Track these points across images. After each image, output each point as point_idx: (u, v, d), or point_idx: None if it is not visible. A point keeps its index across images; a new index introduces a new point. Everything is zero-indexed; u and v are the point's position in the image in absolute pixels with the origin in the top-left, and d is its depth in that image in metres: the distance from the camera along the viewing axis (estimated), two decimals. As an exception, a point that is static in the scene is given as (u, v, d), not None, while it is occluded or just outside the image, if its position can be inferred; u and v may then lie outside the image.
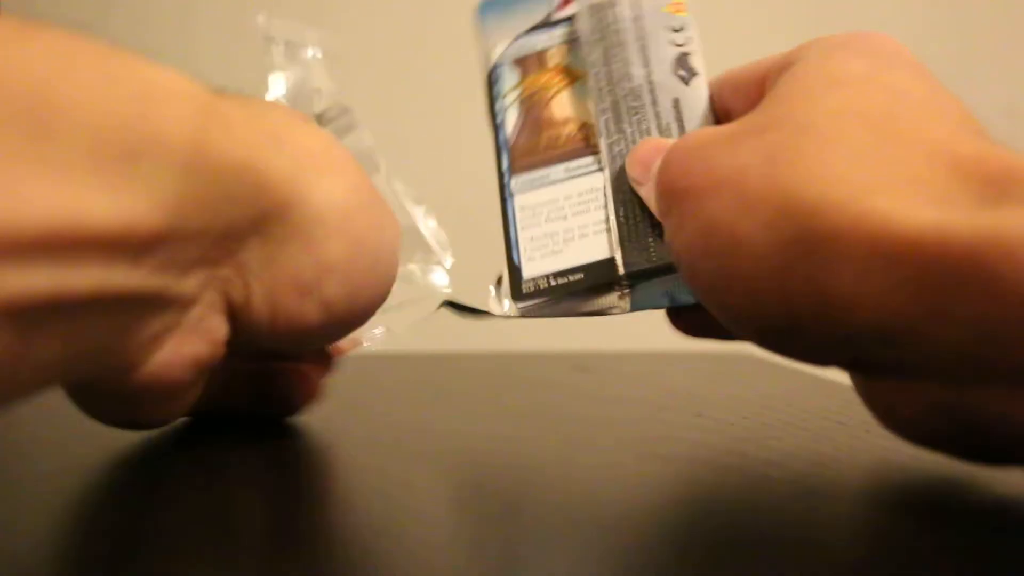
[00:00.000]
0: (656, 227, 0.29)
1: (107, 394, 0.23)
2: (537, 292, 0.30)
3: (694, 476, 0.26)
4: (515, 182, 0.31)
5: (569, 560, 0.18)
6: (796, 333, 0.21)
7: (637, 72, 0.30)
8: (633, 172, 0.29)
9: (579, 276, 0.30)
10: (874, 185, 0.20)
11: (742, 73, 0.29)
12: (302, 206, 0.23)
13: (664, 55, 0.30)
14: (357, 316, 0.26)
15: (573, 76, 0.32)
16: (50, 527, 0.20)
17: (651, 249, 0.29)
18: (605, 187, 0.30)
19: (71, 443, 0.29)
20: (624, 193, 0.30)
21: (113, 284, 0.18)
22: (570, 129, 0.31)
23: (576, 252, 0.30)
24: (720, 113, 0.30)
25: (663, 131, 0.30)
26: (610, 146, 0.30)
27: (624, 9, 0.31)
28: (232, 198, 0.21)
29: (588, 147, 0.31)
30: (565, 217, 0.31)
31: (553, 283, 0.30)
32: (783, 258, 0.20)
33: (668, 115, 0.30)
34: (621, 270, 0.29)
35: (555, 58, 0.32)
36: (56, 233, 0.16)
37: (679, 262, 0.24)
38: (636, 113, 0.30)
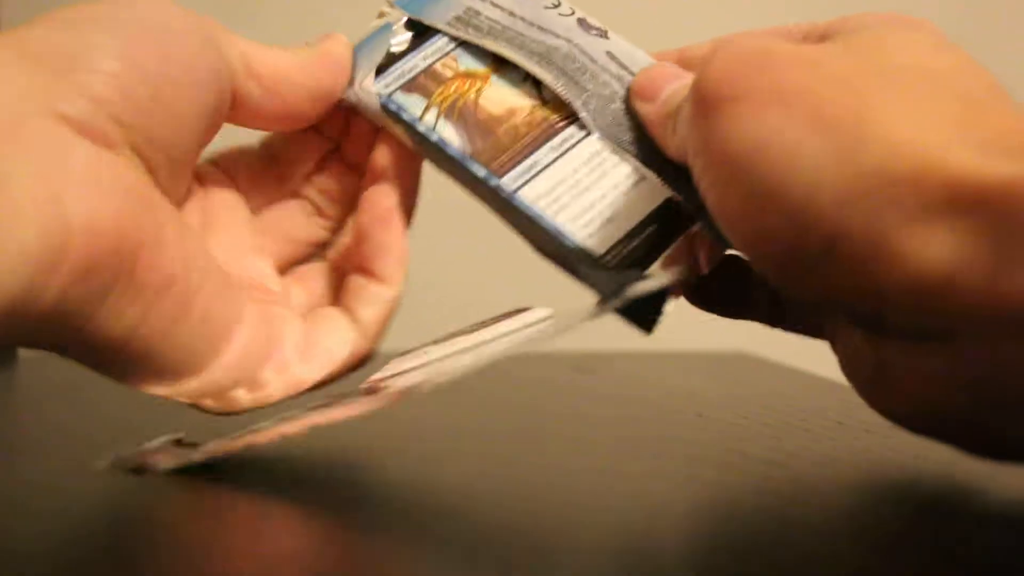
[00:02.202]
0: (661, 164, 0.28)
1: None
2: (622, 258, 0.28)
3: (694, 476, 0.26)
4: (506, 181, 0.29)
5: (569, 559, 0.18)
6: (827, 267, 0.20)
7: (557, 43, 0.30)
8: (639, 89, 0.28)
9: (649, 229, 0.28)
10: (958, 138, 0.20)
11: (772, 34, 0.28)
12: None
13: (564, 24, 0.31)
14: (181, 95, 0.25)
15: (478, 76, 0.31)
16: (51, 532, 0.20)
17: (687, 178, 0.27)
18: (608, 144, 0.29)
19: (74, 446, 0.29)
20: (629, 140, 0.29)
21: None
22: (522, 117, 0.30)
23: (630, 209, 0.29)
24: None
25: (617, 79, 0.30)
26: (584, 104, 0.30)
27: (492, 11, 0.31)
28: None
29: (556, 123, 0.30)
30: (589, 187, 0.29)
31: (632, 244, 0.28)
32: (848, 188, 0.19)
33: (611, 65, 0.30)
34: (688, 205, 0.28)
35: (447, 70, 0.31)
36: None
37: (707, 173, 0.23)
38: (584, 71, 0.30)
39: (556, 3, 0.31)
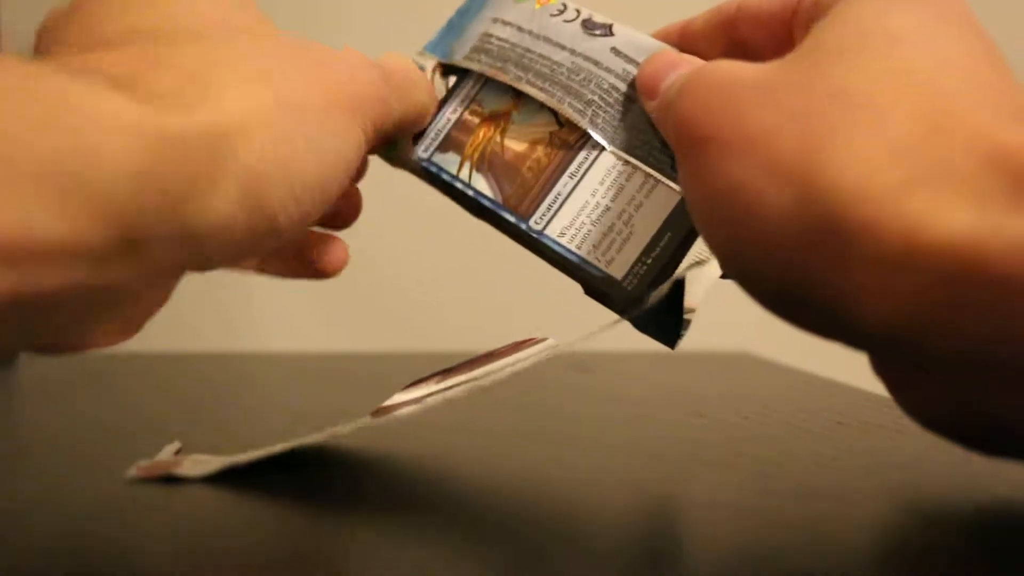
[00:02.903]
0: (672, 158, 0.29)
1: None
2: (642, 281, 0.29)
3: (694, 476, 0.26)
4: (533, 222, 0.30)
5: (568, 558, 0.18)
6: (806, 308, 0.21)
7: (561, 56, 0.31)
8: (642, 87, 0.28)
9: (666, 236, 0.28)
10: (911, 178, 0.19)
11: (763, 4, 0.27)
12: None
13: (568, 32, 0.31)
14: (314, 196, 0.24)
15: (503, 115, 0.32)
16: (51, 532, 0.20)
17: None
18: (619, 156, 0.30)
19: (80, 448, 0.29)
20: (637, 145, 0.29)
21: (76, 281, 0.19)
22: (542, 148, 0.31)
23: (646, 221, 0.29)
24: (730, 46, 0.29)
25: (623, 78, 0.30)
26: (591, 120, 0.30)
27: (502, 31, 0.32)
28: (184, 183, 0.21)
29: (573, 144, 0.30)
30: (608, 208, 0.30)
31: (650, 261, 0.29)
32: (806, 238, 0.20)
33: (616, 63, 0.30)
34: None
35: (475, 117, 0.32)
36: (6, 244, 0.18)
37: (693, 211, 0.23)
38: (589, 81, 0.30)
39: (561, 8, 0.31)
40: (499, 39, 0.32)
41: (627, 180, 0.30)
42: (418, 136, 0.31)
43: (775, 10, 0.26)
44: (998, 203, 0.18)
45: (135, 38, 0.23)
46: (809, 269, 0.20)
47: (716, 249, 0.23)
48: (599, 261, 0.29)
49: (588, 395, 0.42)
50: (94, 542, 0.19)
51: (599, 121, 0.30)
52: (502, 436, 0.31)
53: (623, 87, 0.30)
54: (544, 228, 0.30)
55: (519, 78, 0.31)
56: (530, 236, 0.30)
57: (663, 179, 0.29)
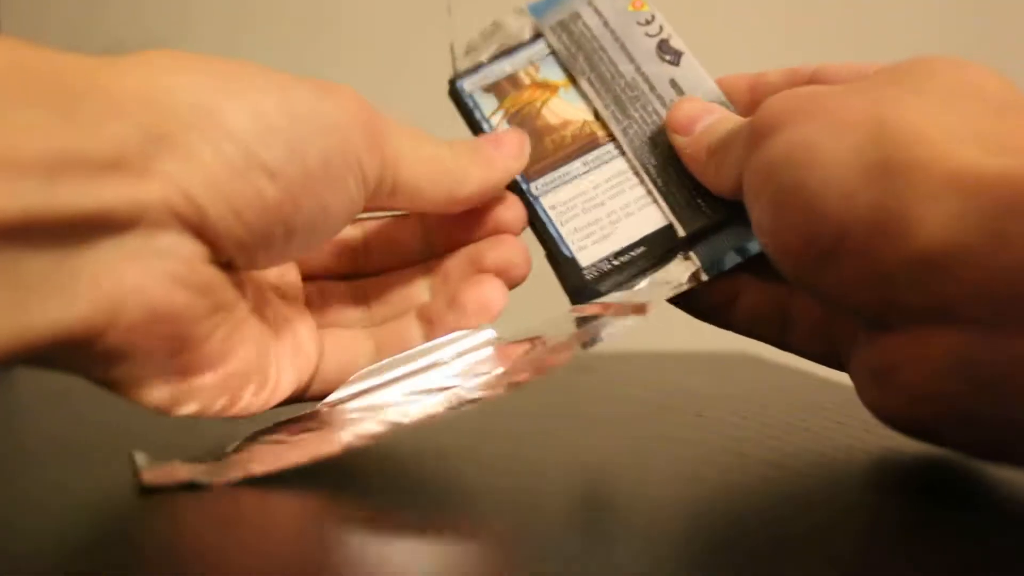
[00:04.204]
0: (698, 186, 0.31)
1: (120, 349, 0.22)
2: (601, 276, 0.31)
3: (694, 476, 0.26)
4: (535, 186, 0.32)
5: (568, 558, 0.18)
6: (840, 257, 0.22)
7: (626, 68, 0.33)
8: (675, 124, 0.31)
9: (641, 249, 0.31)
10: (960, 136, 0.22)
11: (840, 72, 0.29)
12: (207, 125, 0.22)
13: (644, 46, 0.33)
14: (315, 168, 0.24)
15: (552, 87, 0.34)
16: (52, 535, 0.20)
17: (702, 206, 0.31)
18: (633, 166, 0.32)
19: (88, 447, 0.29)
20: (654, 165, 0.32)
21: (33, 209, 0.19)
22: (573, 129, 0.33)
23: (628, 229, 0.31)
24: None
25: (668, 108, 0.32)
26: (624, 131, 0.33)
27: (591, 18, 0.34)
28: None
29: (599, 139, 0.33)
30: (603, 203, 0.32)
31: (616, 263, 0.31)
32: (858, 179, 0.22)
33: (669, 93, 0.33)
34: (681, 233, 0.31)
35: (527, 78, 0.34)
36: None
37: (753, 179, 0.25)
38: (638, 100, 0.33)
39: (649, 19, 0.34)
40: (585, 25, 0.34)
41: (629, 188, 0.32)
42: (471, 69, 0.34)
43: (850, 79, 0.28)
44: None
45: None
46: (851, 211, 0.22)
47: (761, 214, 0.25)
48: (573, 243, 0.31)
49: (588, 395, 0.42)
50: (95, 546, 0.19)
51: (631, 133, 0.32)
52: (501, 436, 0.31)
53: (664, 115, 0.32)
54: (540, 196, 0.32)
55: (583, 72, 0.34)
56: (526, 196, 0.32)
57: (661, 201, 0.31)
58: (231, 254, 0.23)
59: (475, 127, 0.33)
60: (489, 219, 0.31)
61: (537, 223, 0.32)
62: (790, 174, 0.23)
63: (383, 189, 0.26)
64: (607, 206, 0.32)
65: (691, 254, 0.31)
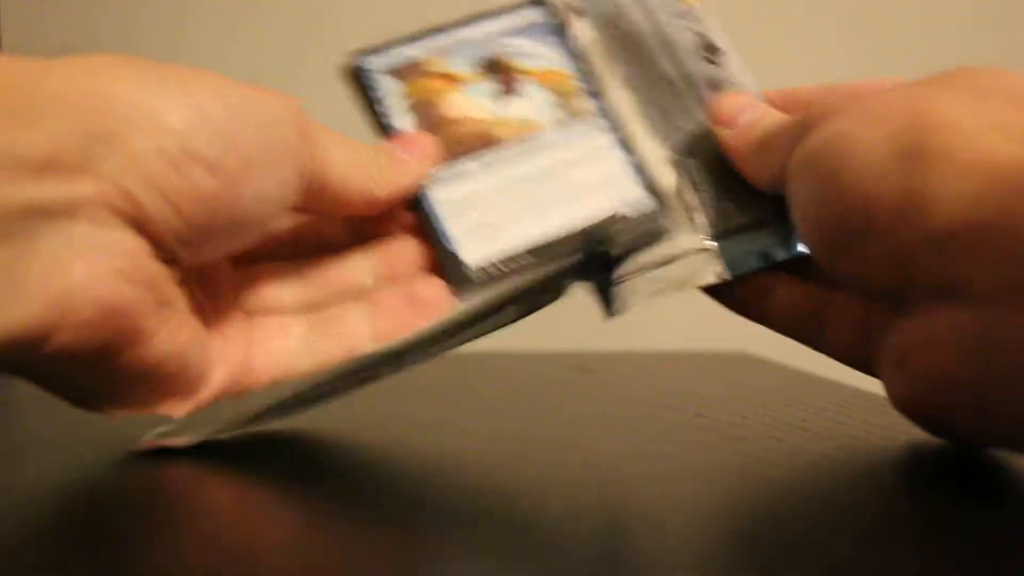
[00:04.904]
0: (730, 189, 0.31)
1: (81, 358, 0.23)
2: (488, 279, 0.31)
3: (694, 476, 0.26)
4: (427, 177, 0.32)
5: (567, 558, 0.18)
6: (869, 235, 0.24)
7: (667, 68, 0.34)
8: (720, 117, 0.32)
9: (528, 259, 0.31)
10: (987, 126, 0.23)
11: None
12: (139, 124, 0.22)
13: (685, 42, 0.34)
14: (254, 158, 0.24)
15: (458, 80, 0.33)
16: (52, 532, 0.20)
17: (729, 210, 0.31)
18: (529, 173, 0.32)
19: (76, 445, 0.29)
20: (694, 161, 0.32)
21: None
22: (468, 128, 0.33)
23: (516, 236, 0.31)
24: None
25: (707, 108, 0.33)
26: (666, 134, 0.33)
27: (636, 12, 0.35)
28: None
29: (496, 140, 0.32)
30: (493, 206, 0.32)
31: (502, 268, 0.31)
32: (890, 163, 0.24)
33: (708, 95, 0.33)
34: (706, 232, 0.31)
35: (432, 65, 0.33)
36: None
37: (796, 167, 0.27)
38: (678, 97, 0.33)
39: (687, 13, 0.34)
40: (629, 20, 0.35)
41: (516, 199, 0.32)
42: (374, 49, 0.33)
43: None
44: None
45: None
46: (882, 191, 0.24)
47: (803, 194, 0.27)
48: (460, 241, 0.31)
49: (588, 395, 0.42)
50: (96, 541, 0.19)
51: (674, 132, 0.33)
52: (502, 435, 0.31)
53: (704, 114, 0.33)
54: (429, 188, 0.32)
55: (620, 63, 0.34)
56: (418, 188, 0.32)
57: (563, 208, 0.31)
58: (173, 248, 0.24)
59: (374, 110, 0.33)
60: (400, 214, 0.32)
61: (426, 216, 0.32)
62: (830, 162, 0.25)
63: (312, 187, 0.27)
64: (499, 209, 0.32)
65: (704, 251, 0.31)
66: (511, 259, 0.31)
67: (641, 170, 0.32)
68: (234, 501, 0.23)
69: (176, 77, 0.24)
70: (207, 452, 0.27)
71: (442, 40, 0.34)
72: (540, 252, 0.31)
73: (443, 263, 0.31)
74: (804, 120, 0.27)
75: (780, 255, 0.31)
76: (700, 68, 0.33)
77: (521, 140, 0.33)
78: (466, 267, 0.31)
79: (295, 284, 0.30)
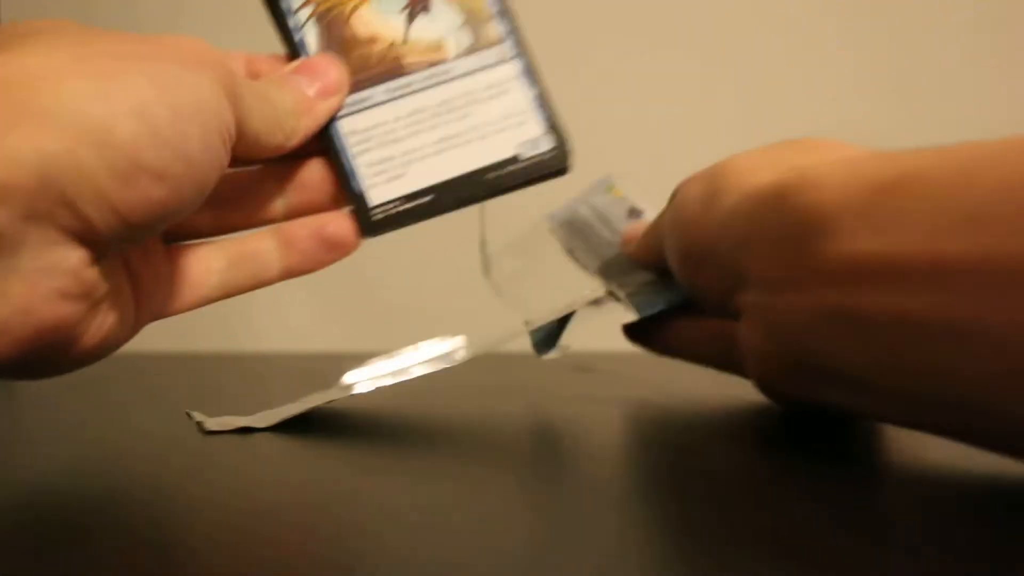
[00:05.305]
0: (637, 275, 0.39)
1: (22, 359, 0.23)
2: (388, 220, 0.31)
3: (694, 476, 0.26)
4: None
5: (567, 559, 0.18)
6: (702, 262, 0.32)
7: (608, 237, 0.43)
8: (624, 238, 0.43)
9: (428, 198, 0.31)
10: (765, 168, 0.30)
11: None
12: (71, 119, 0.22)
13: (618, 214, 0.44)
14: (197, 155, 0.24)
15: None
16: (51, 530, 0.20)
17: (636, 280, 0.38)
18: (433, 105, 0.32)
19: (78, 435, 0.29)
20: (615, 269, 0.40)
21: None
22: (380, 48, 0.32)
23: (420, 174, 0.31)
24: None
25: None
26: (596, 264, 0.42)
27: (585, 210, 0.44)
28: None
29: (405, 66, 0.32)
30: (398, 140, 0.31)
31: (404, 207, 0.31)
32: (701, 205, 0.32)
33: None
34: (623, 294, 0.38)
35: None
36: None
37: (664, 226, 0.35)
38: (610, 247, 0.43)
39: (617, 200, 0.45)
40: (582, 217, 0.44)
41: (429, 129, 0.31)
42: None
43: None
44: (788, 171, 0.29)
45: None
46: (703, 223, 0.32)
47: (671, 231, 0.34)
48: (365, 179, 0.31)
49: (588, 395, 0.42)
50: (98, 539, 0.19)
51: (600, 265, 0.42)
52: (500, 436, 0.31)
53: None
54: (337, 119, 0.31)
55: (576, 247, 0.43)
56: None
57: (469, 144, 0.32)
58: (116, 247, 0.24)
59: (280, 15, 0.32)
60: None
61: (332, 149, 0.31)
62: (675, 215, 0.34)
63: (231, 144, 0.27)
64: (402, 144, 0.31)
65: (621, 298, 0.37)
66: (412, 197, 0.31)
67: (544, 104, 0.32)
68: (231, 489, 0.23)
69: (113, 67, 0.23)
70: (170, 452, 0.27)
71: None
72: (441, 191, 0.31)
73: (350, 198, 0.31)
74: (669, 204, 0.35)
75: (677, 300, 0.36)
76: (627, 224, 0.43)
77: (428, 67, 0.32)
78: (371, 210, 0.31)
79: (212, 213, 0.31)
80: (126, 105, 0.22)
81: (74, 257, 0.22)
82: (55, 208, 0.21)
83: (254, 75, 0.31)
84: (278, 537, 0.20)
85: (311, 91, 0.30)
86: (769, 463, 0.27)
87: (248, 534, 0.20)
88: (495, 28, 0.33)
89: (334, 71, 0.31)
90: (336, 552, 0.18)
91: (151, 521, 0.21)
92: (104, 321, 0.25)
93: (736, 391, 0.37)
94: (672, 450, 0.29)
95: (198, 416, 0.32)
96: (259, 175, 0.32)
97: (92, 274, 0.23)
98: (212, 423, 0.31)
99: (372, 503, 0.22)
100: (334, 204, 0.32)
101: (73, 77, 0.22)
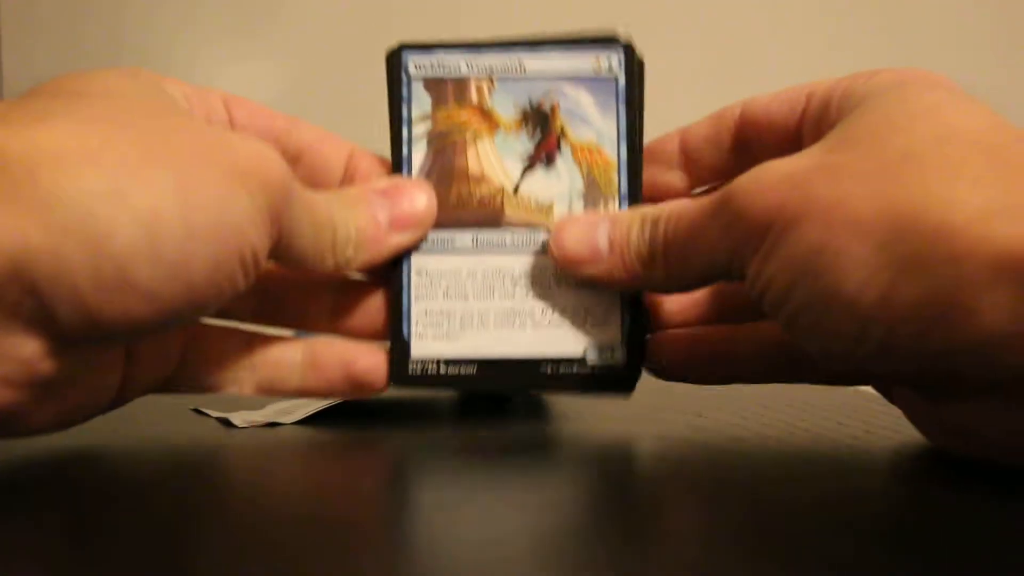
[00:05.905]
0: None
1: None
2: (423, 378, 0.28)
3: (694, 476, 0.26)
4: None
5: (566, 559, 0.18)
6: (890, 350, 0.22)
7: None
8: (578, 260, 0.28)
9: (472, 370, 0.28)
10: (991, 209, 0.20)
11: (770, 108, 0.28)
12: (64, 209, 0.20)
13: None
14: (199, 281, 0.22)
15: (493, 123, 0.29)
16: (51, 527, 0.20)
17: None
18: (516, 273, 0.28)
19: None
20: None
21: None
22: (486, 191, 0.29)
23: (474, 341, 0.28)
24: (736, 149, 0.29)
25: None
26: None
27: None
28: None
29: (504, 219, 0.29)
30: (465, 297, 0.28)
31: (443, 371, 0.28)
32: (892, 277, 0.21)
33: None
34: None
35: (476, 94, 0.29)
36: None
37: (765, 289, 0.24)
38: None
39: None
40: None
41: (499, 298, 0.28)
42: (423, 46, 0.29)
43: (783, 112, 0.28)
44: None
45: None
46: (898, 305, 0.21)
47: (795, 319, 0.23)
48: (414, 325, 0.28)
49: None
50: (99, 535, 0.19)
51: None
52: (502, 435, 0.31)
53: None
54: (412, 253, 0.28)
55: None
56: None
57: (539, 330, 0.28)
58: (82, 344, 0.22)
59: (397, 121, 0.29)
60: None
61: (393, 277, 0.29)
62: (819, 283, 0.22)
63: (271, 254, 0.25)
64: (468, 303, 0.28)
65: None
66: (456, 362, 0.28)
67: (633, 313, 0.29)
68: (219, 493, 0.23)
69: (140, 159, 0.21)
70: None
71: (498, 59, 0.29)
72: (489, 367, 0.28)
73: (393, 337, 0.29)
74: (744, 226, 0.24)
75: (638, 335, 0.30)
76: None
77: (527, 228, 0.29)
78: (410, 361, 0.28)
79: (256, 301, 0.29)
80: (136, 211, 0.20)
81: (29, 348, 0.21)
82: (22, 298, 0.20)
83: (351, 170, 0.29)
84: (323, 534, 0.20)
85: (386, 218, 0.27)
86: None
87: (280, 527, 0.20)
88: (613, 209, 0.29)
89: (422, 204, 0.28)
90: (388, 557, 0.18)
91: (176, 512, 0.21)
92: (64, 403, 0.23)
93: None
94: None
95: (214, 413, 0.33)
96: (314, 280, 0.29)
97: (49, 365, 0.22)
98: (239, 419, 0.32)
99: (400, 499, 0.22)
100: (378, 336, 0.29)
101: (88, 165, 0.20)
